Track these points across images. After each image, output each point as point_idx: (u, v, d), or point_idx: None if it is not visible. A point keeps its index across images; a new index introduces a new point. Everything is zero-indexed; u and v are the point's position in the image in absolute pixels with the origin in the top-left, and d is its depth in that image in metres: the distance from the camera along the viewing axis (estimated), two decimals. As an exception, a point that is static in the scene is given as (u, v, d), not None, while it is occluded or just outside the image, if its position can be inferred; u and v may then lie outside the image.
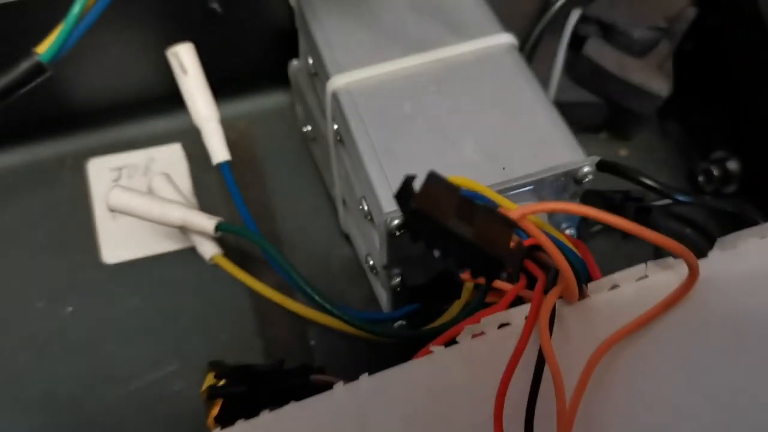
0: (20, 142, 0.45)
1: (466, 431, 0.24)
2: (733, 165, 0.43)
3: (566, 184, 0.32)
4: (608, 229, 0.39)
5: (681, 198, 0.35)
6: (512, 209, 0.21)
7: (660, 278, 0.24)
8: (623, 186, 0.38)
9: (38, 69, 0.33)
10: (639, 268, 0.24)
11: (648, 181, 0.35)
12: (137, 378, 0.38)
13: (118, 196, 0.33)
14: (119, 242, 0.42)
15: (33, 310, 0.40)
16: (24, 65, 0.33)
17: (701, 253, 0.24)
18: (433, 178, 0.20)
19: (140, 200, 0.33)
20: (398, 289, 0.33)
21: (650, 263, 0.24)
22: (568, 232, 0.34)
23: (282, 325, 0.40)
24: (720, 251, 0.25)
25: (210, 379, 0.35)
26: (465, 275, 0.29)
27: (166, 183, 0.36)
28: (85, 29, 0.33)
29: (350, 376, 0.38)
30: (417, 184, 0.20)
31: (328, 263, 0.42)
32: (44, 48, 0.33)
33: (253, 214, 0.43)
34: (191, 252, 0.40)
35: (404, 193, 0.20)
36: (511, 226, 0.20)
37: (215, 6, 0.40)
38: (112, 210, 0.33)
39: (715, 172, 0.43)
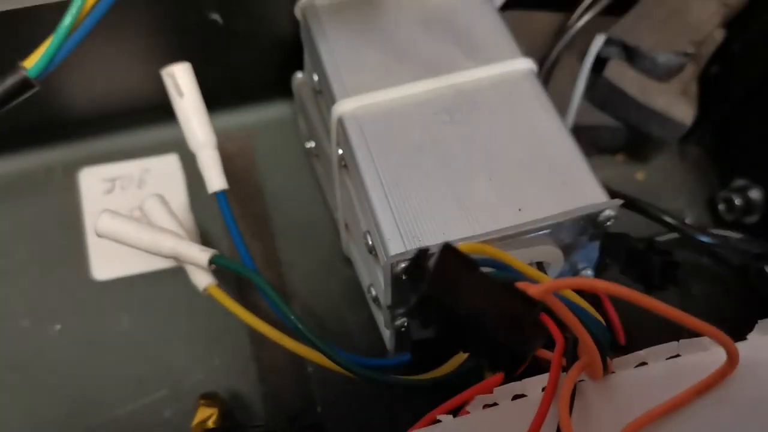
0: (7, 150, 0.43)
1: None
2: (755, 194, 0.41)
3: (586, 227, 0.30)
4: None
5: (704, 239, 0.33)
6: (534, 284, 0.19)
7: (693, 359, 0.22)
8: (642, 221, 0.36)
9: (25, 84, 0.31)
10: (670, 346, 0.23)
11: (670, 220, 0.34)
12: (125, 402, 0.37)
13: (106, 223, 0.31)
14: (110, 258, 0.40)
15: (18, 329, 0.39)
16: (9, 80, 0.31)
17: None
18: (448, 253, 0.18)
19: (130, 227, 0.31)
20: (402, 332, 0.31)
21: (683, 342, 0.22)
22: (584, 273, 0.32)
23: (278, 350, 0.38)
24: (759, 335, 0.23)
25: (201, 415, 0.34)
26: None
27: (159, 206, 0.34)
28: (77, 43, 0.31)
29: (348, 414, 0.37)
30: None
31: (328, 286, 0.41)
32: (32, 62, 0.31)
33: (252, 232, 0.42)
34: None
35: (416, 269, 0.18)
36: (533, 306, 0.18)
37: (216, 17, 0.38)
38: (100, 236, 0.31)
39: (737, 201, 0.41)
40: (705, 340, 0.22)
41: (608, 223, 0.29)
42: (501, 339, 0.17)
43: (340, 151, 0.34)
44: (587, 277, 0.31)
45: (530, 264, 0.28)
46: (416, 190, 0.30)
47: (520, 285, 0.19)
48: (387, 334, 0.34)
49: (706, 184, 0.45)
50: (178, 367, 0.38)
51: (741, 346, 0.20)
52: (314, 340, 0.30)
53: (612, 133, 0.42)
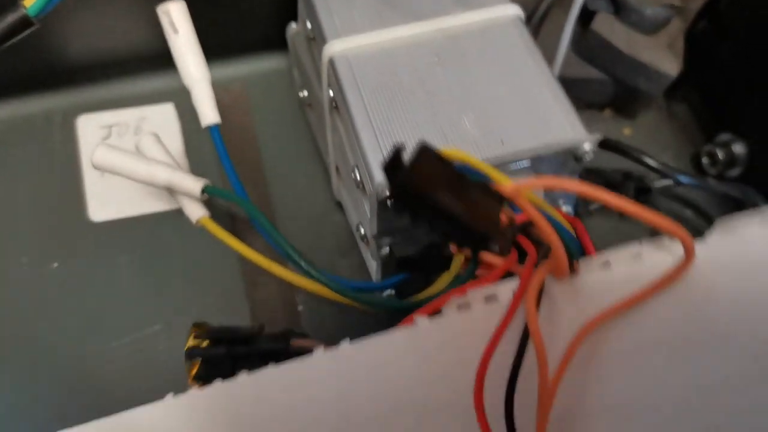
0: (7, 97, 0.44)
1: (446, 402, 0.23)
2: (738, 148, 0.42)
3: (565, 161, 0.31)
4: (607, 208, 0.38)
5: (683, 179, 0.34)
6: (506, 184, 0.20)
7: (654, 258, 0.23)
8: (626, 166, 0.37)
9: (24, 22, 0.31)
10: (633, 247, 0.24)
11: (650, 161, 0.35)
12: (120, 336, 0.38)
13: (103, 154, 0.32)
14: (107, 200, 0.42)
15: (17, 265, 0.40)
16: (9, 18, 0.31)
17: (700, 235, 0.23)
18: (424, 150, 0.19)
19: (126, 159, 0.32)
20: (387, 259, 0.32)
21: (645, 242, 0.24)
22: (564, 209, 0.33)
23: (270, 289, 0.40)
24: (718, 234, 0.24)
25: (192, 339, 0.35)
26: (453, 248, 0.28)
27: (154, 143, 0.35)
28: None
29: (335, 343, 0.38)
30: (407, 154, 0.19)
31: (320, 232, 0.42)
32: (32, 0, 0.31)
33: (245, 180, 0.42)
34: (181, 213, 0.39)
35: (393, 164, 0.19)
36: (502, 201, 0.19)
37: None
38: (97, 168, 0.32)
39: (720, 155, 0.42)
40: (666, 241, 0.24)
41: (586, 158, 0.31)
42: (472, 226, 0.18)
43: (331, 93, 0.35)
44: (567, 212, 0.32)
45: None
46: (403, 126, 0.31)
47: (493, 184, 0.20)
48: (374, 266, 0.35)
49: (691, 141, 0.45)
50: (172, 304, 0.39)
51: (699, 245, 0.21)
52: (305, 266, 0.31)
53: (599, 86, 0.43)
